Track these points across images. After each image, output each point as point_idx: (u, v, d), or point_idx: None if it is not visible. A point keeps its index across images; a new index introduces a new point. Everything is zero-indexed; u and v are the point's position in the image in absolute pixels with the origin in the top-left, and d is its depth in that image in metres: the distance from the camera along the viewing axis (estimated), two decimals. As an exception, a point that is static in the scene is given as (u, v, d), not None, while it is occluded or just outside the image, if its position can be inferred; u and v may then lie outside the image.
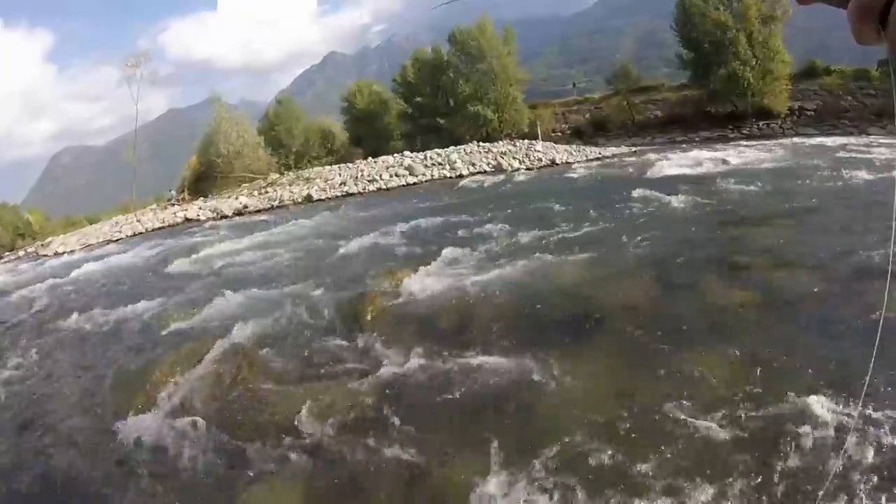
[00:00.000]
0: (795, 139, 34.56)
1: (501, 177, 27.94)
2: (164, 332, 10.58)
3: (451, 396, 7.00)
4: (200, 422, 7.05)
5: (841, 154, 25.15)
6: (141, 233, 28.78)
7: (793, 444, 5.37)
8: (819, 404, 5.84)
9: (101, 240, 28.71)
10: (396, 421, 6.58)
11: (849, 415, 5.66)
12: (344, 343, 8.88)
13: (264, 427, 6.84)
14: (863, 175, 18.64)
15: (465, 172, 30.97)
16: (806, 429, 5.53)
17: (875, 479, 4.83)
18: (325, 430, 6.56)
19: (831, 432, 5.46)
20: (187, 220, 30.05)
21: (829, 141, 31.61)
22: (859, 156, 24.47)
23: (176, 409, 7.51)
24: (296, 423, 6.74)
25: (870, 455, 5.09)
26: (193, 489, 6.06)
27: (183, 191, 41.71)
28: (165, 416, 7.38)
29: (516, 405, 6.69)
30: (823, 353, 7.07)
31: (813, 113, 39.38)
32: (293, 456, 6.23)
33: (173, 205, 37.66)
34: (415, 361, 7.95)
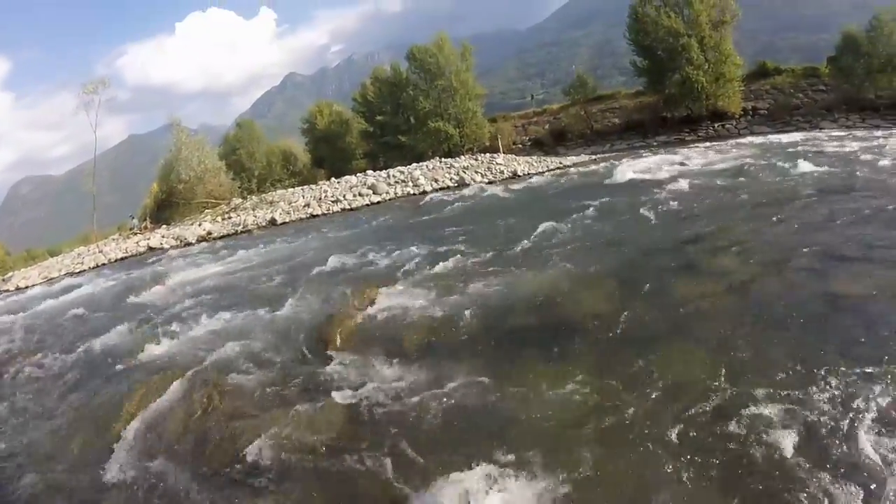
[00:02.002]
0: (750, 138, 35.64)
1: (465, 191, 28.09)
2: (132, 364, 10.48)
3: (423, 416, 7.05)
4: (173, 454, 7.04)
5: (795, 149, 25.94)
6: (104, 264, 28.32)
7: (764, 441, 5.56)
8: (788, 400, 6.07)
9: (63, 272, 28.20)
10: (370, 444, 6.63)
11: (818, 409, 5.86)
12: (314, 367, 8.89)
13: (238, 456, 6.81)
14: (817, 168, 19.20)
15: (428, 189, 31.06)
16: (776, 425, 5.73)
17: (845, 469, 5.02)
18: (300, 457, 6.58)
19: (801, 428, 5.65)
20: (150, 248, 29.64)
21: (784, 137, 32.64)
22: (813, 149, 25.26)
23: (148, 443, 7.47)
24: (270, 450, 6.75)
25: (839, 446, 5.29)
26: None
27: (145, 219, 41.15)
28: (137, 450, 7.33)
29: (489, 420, 6.77)
30: (788, 346, 7.34)
31: (766, 112, 40.90)
32: (268, 484, 6.26)
33: (136, 234, 37.14)
34: (387, 382, 8.01)
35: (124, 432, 7.77)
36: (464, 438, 6.43)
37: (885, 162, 19.55)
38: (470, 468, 5.77)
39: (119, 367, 10.59)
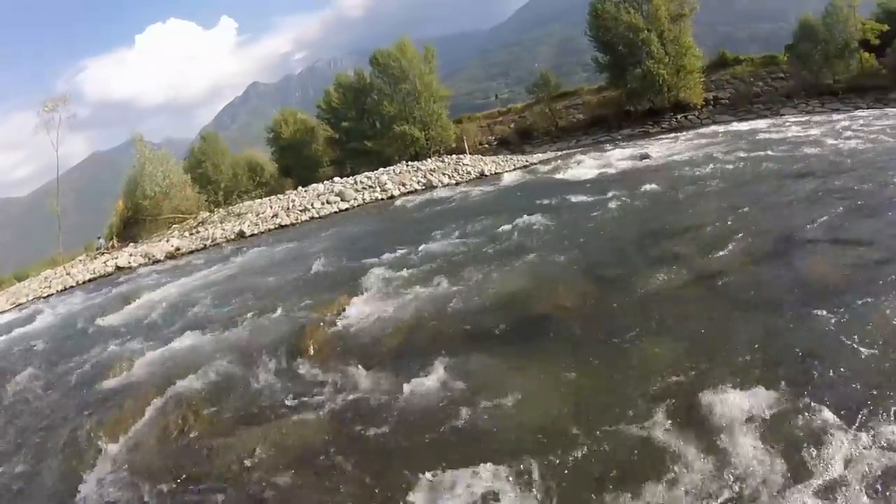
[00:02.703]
0: (713, 127, 36.23)
1: (432, 194, 28.16)
2: (105, 389, 10.37)
3: (401, 421, 7.10)
4: (152, 478, 6.97)
5: (757, 136, 26.46)
6: (72, 286, 27.86)
7: (735, 429, 5.66)
8: (756, 383, 6.25)
9: (30, 297, 27.70)
10: (349, 454, 6.64)
11: (784, 390, 6.00)
12: (289, 380, 8.87)
13: (216, 476, 6.80)
14: (779, 153, 19.54)
15: (396, 193, 31.12)
16: (746, 410, 5.85)
17: (821, 462, 5.12)
18: (278, 473, 6.56)
19: (768, 416, 5.76)
20: (119, 268, 29.19)
21: (746, 125, 33.26)
22: (774, 135, 25.70)
23: (126, 469, 7.39)
24: (248, 468, 6.74)
25: (812, 437, 5.39)
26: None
27: (112, 238, 40.51)
28: (116, 477, 7.26)
29: (466, 422, 6.80)
30: (756, 331, 7.56)
31: (727, 101, 41.73)
32: (247, 500, 6.22)
33: (103, 254, 36.47)
34: (362, 390, 8.04)
35: (100, 459, 7.72)
36: (443, 442, 6.48)
37: (843, 144, 20.02)
38: (451, 471, 5.82)
39: (92, 392, 10.48)
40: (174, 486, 6.79)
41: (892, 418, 5.38)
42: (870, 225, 11.05)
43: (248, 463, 6.81)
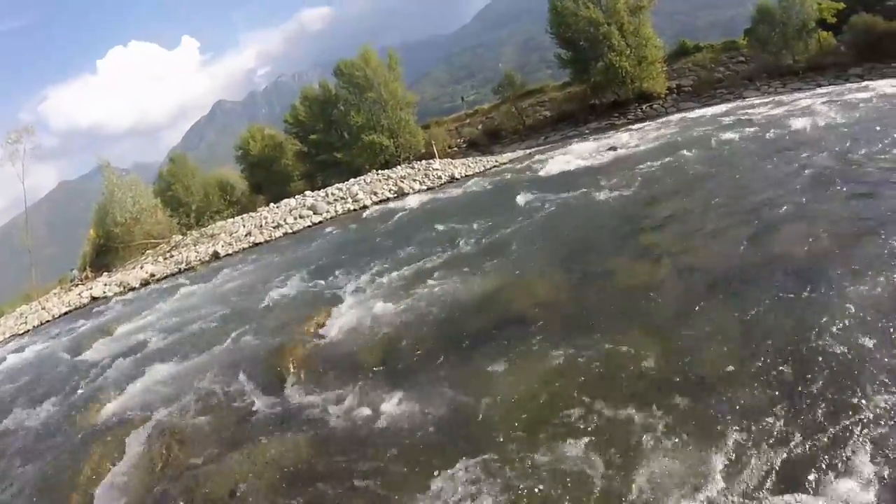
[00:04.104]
0: (678, 115, 36.74)
1: (404, 201, 28.14)
2: (86, 425, 10.19)
3: (386, 435, 7.09)
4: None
5: (721, 120, 26.83)
6: (48, 321, 27.47)
7: (711, 421, 5.74)
8: (734, 379, 6.31)
9: (6, 335, 27.27)
10: (336, 472, 6.62)
11: (764, 390, 6.06)
12: (271, 401, 8.83)
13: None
14: (744, 134, 19.82)
15: (368, 203, 31.10)
16: (724, 405, 5.90)
17: (795, 457, 5.18)
18: (266, 497, 6.50)
19: (746, 406, 5.83)
20: (94, 298, 28.81)
21: (710, 110, 33.81)
22: (738, 117, 26.06)
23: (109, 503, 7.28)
24: (236, 493, 6.68)
25: (788, 430, 5.46)
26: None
27: (85, 268, 40.02)
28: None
29: (451, 429, 6.83)
30: (732, 324, 7.58)
31: (690, 88, 42.36)
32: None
33: (77, 285, 36.05)
34: (345, 405, 8.02)
35: (87, 498, 7.61)
36: (428, 453, 6.49)
37: (806, 121, 20.30)
38: (437, 482, 5.83)
39: (73, 430, 10.30)
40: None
41: (866, 406, 5.45)
42: (840, 198, 11.23)
43: (235, 490, 6.76)
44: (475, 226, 16.10)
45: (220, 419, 8.71)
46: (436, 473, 5.93)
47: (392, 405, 7.61)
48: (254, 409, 8.73)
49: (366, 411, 7.68)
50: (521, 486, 5.49)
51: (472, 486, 5.64)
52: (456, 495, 5.60)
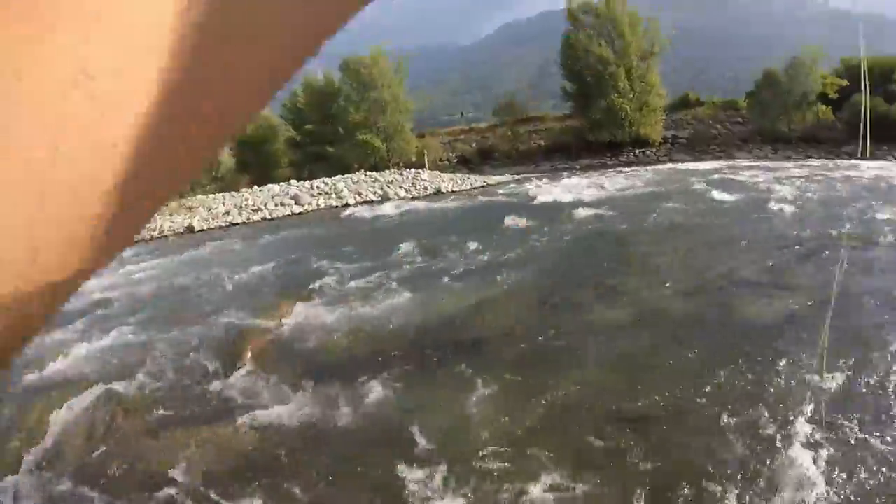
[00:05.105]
0: (669, 165, 36.87)
1: (387, 206, 28.11)
2: (30, 380, 9.98)
3: (338, 434, 7.17)
4: (72, 476, 6.79)
5: (709, 177, 27.07)
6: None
7: (666, 448, 5.83)
8: (685, 412, 6.55)
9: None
10: (273, 463, 6.60)
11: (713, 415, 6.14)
12: (224, 385, 8.79)
13: (141, 480, 6.72)
14: (728, 195, 20.01)
15: (351, 202, 31.04)
16: (680, 433, 6.01)
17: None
18: (206, 480, 6.54)
19: (699, 435, 5.92)
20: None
21: (700, 165, 34.04)
22: (726, 177, 26.26)
23: (45, 463, 7.23)
24: (175, 474, 6.69)
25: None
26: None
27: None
28: (32, 472, 7.06)
29: (405, 435, 6.86)
30: (692, 364, 7.90)
31: (685, 140, 42.70)
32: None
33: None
34: (300, 400, 8.04)
35: (21, 451, 7.48)
36: (377, 456, 6.57)
37: (790, 191, 20.53)
38: (383, 485, 5.82)
39: (17, 381, 10.08)
40: (93, 488, 6.66)
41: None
42: (806, 272, 11.43)
43: (174, 467, 6.71)
44: (455, 242, 16.12)
45: (169, 396, 8.65)
46: (375, 482, 5.92)
47: (341, 407, 7.67)
48: (203, 392, 8.70)
49: (315, 409, 7.73)
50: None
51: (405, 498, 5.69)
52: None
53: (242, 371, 9.13)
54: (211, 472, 6.58)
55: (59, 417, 8.20)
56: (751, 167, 31.47)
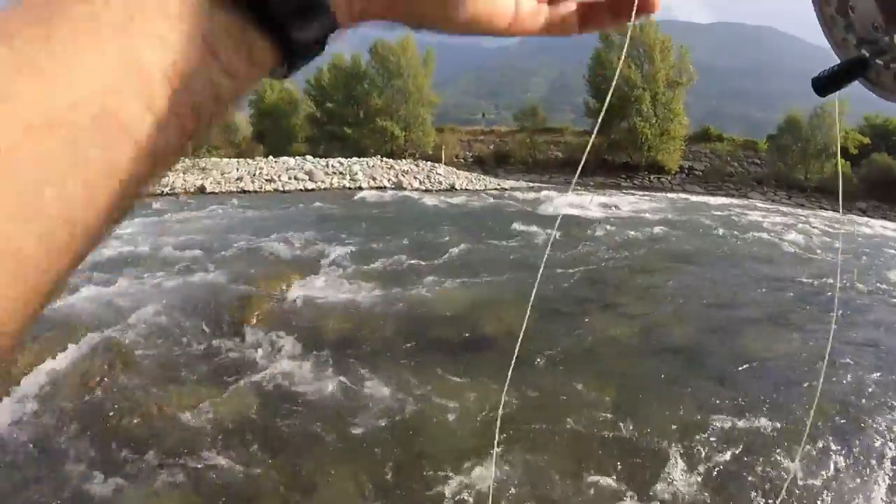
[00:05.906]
0: (682, 195, 36.84)
1: (400, 194, 28.09)
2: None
3: (332, 408, 7.10)
4: (67, 419, 6.75)
5: (721, 212, 27.02)
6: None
7: (656, 462, 5.86)
8: (677, 435, 6.45)
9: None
10: (276, 429, 6.62)
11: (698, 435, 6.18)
12: (227, 346, 8.76)
13: (133, 431, 6.62)
14: (740, 233, 20.06)
15: (364, 185, 31.01)
16: (670, 449, 6.05)
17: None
18: (201, 436, 6.47)
19: (692, 452, 5.95)
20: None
21: (713, 200, 33.97)
22: (739, 216, 26.31)
23: (37, 402, 7.13)
24: (165, 428, 6.60)
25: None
26: (52, 496, 5.74)
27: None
28: (23, 408, 6.98)
29: (397, 422, 6.87)
30: (686, 390, 7.86)
31: (701, 173, 42.74)
32: (162, 462, 6.09)
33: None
34: (299, 369, 8.05)
35: (11, 388, 7.39)
36: (367, 437, 6.50)
37: (801, 238, 20.51)
38: (369, 468, 5.87)
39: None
40: (89, 431, 6.59)
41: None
42: (810, 317, 11.45)
43: (165, 424, 6.69)
44: (462, 240, 16.07)
45: (168, 352, 8.59)
46: (367, 465, 5.96)
47: (338, 383, 7.64)
48: (204, 349, 8.67)
49: (313, 382, 7.71)
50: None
51: (388, 487, 5.70)
52: (376, 491, 5.62)
53: (244, 335, 9.12)
54: (198, 430, 6.54)
55: (56, 358, 8.08)
56: (763, 209, 31.43)
